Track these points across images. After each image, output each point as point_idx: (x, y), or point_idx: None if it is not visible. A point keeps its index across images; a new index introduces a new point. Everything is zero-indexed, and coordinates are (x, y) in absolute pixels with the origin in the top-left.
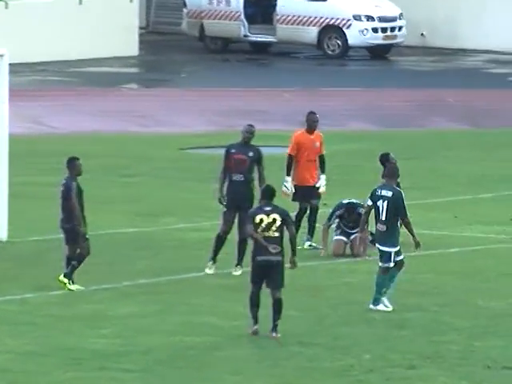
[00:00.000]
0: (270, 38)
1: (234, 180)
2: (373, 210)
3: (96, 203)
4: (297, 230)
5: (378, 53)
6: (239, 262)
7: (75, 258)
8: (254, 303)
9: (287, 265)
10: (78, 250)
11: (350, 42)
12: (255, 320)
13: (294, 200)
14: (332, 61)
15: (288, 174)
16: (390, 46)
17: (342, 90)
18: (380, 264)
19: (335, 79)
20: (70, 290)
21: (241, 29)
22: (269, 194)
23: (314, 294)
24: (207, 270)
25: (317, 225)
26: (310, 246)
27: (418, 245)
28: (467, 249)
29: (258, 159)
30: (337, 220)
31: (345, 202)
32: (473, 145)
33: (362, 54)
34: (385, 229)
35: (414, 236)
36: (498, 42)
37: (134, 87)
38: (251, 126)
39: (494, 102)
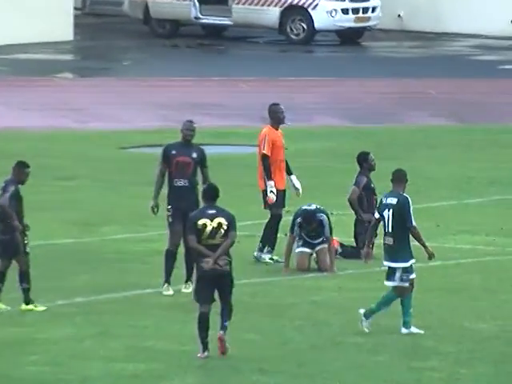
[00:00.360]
0: (224, 21)
1: (177, 186)
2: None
3: (26, 210)
4: (274, 243)
5: (349, 37)
6: (189, 278)
7: (21, 280)
8: (204, 326)
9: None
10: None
11: (317, 24)
12: (205, 346)
13: (267, 207)
14: (296, 46)
15: (271, 178)
16: (363, 29)
17: (307, 80)
18: (391, 283)
19: (300, 68)
20: (39, 311)
21: (191, 10)
22: (211, 194)
23: (275, 314)
24: (165, 292)
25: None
26: (271, 259)
27: (431, 256)
28: (451, 262)
29: (202, 160)
30: (298, 229)
31: (303, 207)
32: (458, 143)
33: (331, 38)
34: (391, 242)
35: (425, 247)
36: (486, 24)
37: (69, 77)
38: (191, 121)
39: (482, 94)
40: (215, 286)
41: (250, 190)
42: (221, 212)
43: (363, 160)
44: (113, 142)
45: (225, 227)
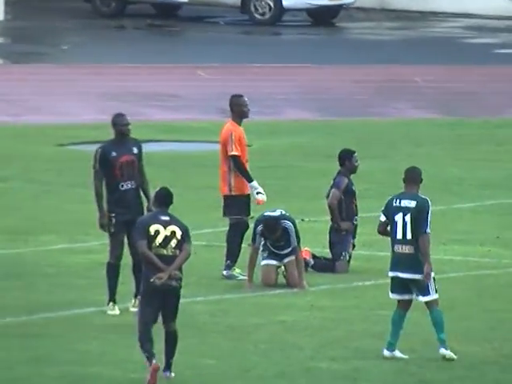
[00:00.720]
0: None
1: (124, 189)
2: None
3: None
4: (237, 255)
5: (322, 17)
6: (138, 293)
7: None
8: (147, 338)
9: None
10: None
11: (285, 2)
12: (151, 354)
13: (229, 214)
14: (261, 28)
15: (252, 180)
16: (338, 7)
17: (274, 67)
18: (420, 299)
19: (266, 52)
20: None
21: None
22: (166, 198)
23: (237, 336)
24: (110, 312)
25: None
26: (241, 273)
27: (426, 275)
28: (441, 276)
29: (140, 154)
30: (261, 239)
31: (265, 214)
32: (447, 139)
33: (301, 18)
34: (412, 250)
35: (427, 262)
36: (480, 2)
37: None
38: (122, 114)
39: (475, 83)
40: (161, 302)
41: (207, 192)
42: (174, 220)
43: (346, 158)
44: (50, 139)
45: (178, 237)
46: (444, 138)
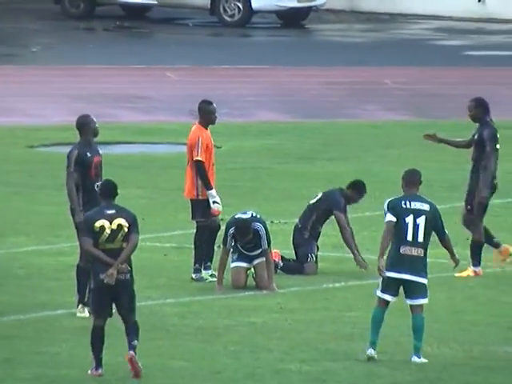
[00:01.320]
0: (148, 0)
1: (96, 190)
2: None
3: None
4: (211, 256)
5: (292, 19)
6: (82, 300)
7: None
8: (98, 341)
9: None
10: None
11: (254, 4)
12: (98, 362)
13: (196, 217)
14: (231, 30)
15: (211, 188)
16: (308, 9)
17: (244, 69)
18: (412, 302)
19: (235, 54)
20: None
21: None
22: (109, 190)
23: (207, 338)
24: (79, 314)
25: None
26: (211, 275)
27: (457, 263)
28: None
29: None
30: (232, 241)
31: (237, 216)
32: (417, 141)
33: (271, 20)
34: (422, 253)
35: (453, 255)
36: (450, 4)
37: None
38: (88, 115)
39: (445, 85)
40: (113, 297)
41: (178, 194)
42: (121, 211)
43: (358, 191)
44: (20, 140)
45: (126, 229)
46: (414, 139)
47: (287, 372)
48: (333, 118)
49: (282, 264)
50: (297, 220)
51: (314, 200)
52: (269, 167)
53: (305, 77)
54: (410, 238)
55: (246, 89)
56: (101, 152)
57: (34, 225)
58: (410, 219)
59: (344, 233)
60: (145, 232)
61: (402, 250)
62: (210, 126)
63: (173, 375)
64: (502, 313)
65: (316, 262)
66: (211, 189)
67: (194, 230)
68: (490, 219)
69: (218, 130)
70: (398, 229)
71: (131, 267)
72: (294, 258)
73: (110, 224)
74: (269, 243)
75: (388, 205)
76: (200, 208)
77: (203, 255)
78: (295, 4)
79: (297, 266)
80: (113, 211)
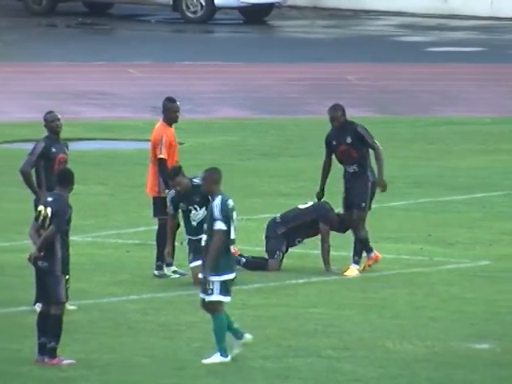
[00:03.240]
0: None
1: None
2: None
3: None
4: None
5: (255, 15)
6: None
7: None
8: (38, 326)
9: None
10: None
11: (217, 1)
12: (40, 347)
13: (158, 215)
14: (193, 26)
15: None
16: (270, 6)
17: (206, 65)
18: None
19: (198, 51)
20: None
21: None
22: (61, 178)
23: (170, 334)
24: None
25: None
26: (174, 272)
27: None
28: (372, 274)
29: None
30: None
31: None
32: (380, 137)
33: (233, 16)
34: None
35: None
36: (412, 1)
37: None
38: (52, 112)
39: (407, 81)
40: (40, 284)
41: (140, 191)
42: (54, 201)
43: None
44: None
45: (50, 218)
46: (376, 135)
47: (250, 369)
48: (295, 115)
49: (244, 260)
50: (276, 215)
51: (304, 206)
52: (231, 163)
53: (268, 73)
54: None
55: (208, 85)
56: (67, 151)
57: None
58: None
59: (323, 245)
60: (107, 229)
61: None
62: (174, 123)
63: (135, 372)
64: (464, 309)
65: (281, 260)
66: (169, 188)
67: (157, 227)
68: (452, 216)
69: (180, 126)
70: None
71: (51, 258)
72: (256, 255)
73: (45, 210)
74: None
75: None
76: (162, 205)
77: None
78: (258, 0)
79: (260, 261)
80: (50, 199)
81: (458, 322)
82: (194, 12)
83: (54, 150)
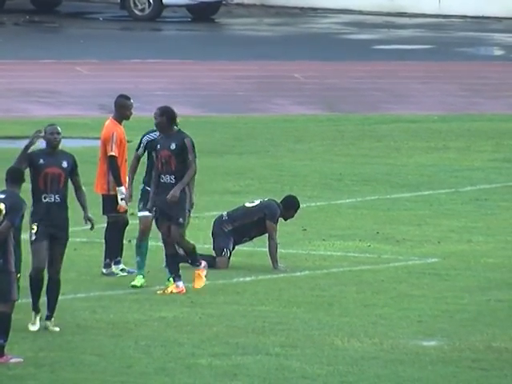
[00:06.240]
0: None
1: (45, 202)
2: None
3: None
4: (119, 252)
5: (202, 13)
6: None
7: None
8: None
9: None
10: None
11: None
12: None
13: (107, 212)
14: (141, 24)
15: (121, 183)
16: (218, 3)
17: (154, 63)
18: None
19: (145, 49)
20: None
21: None
22: (13, 175)
23: (118, 332)
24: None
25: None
26: (122, 270)
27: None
28: (320, 272)
29: (73, 169)
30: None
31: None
32: (327, 135)
33: (181, 14)
34: None
35: None
36: None
37: None
38: (53, 124)
39: (355, 79)
40: None
41: (88, 189)
42: (7, 198)
43: (292, 210)
44: None
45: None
46: (325, 133)
47: (198, 366)
48: (243, 113)
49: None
50: (223, 213)
51: (251, 204)
52: None
53: (215, 71)
54: None
55: (156, 83)
56: (66, 165)
57: None
58: None
59: (270, 243)
60: None
61: None
62: (124, 121)
63: (83, 370)
64: (412, 306)
65: (229, 257)
66: (121, 185)
67: (105, 225)
68: (400, 213)
69: (128, 124)
70: None
71: (5, 256)
72: (202, 253)
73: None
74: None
75: None
76: (111, 203)
77: (114, 250)
78: None
79: (209, 259)
80: (2, 196)
81: (406, 320)
82: (142, 10)
83: (41, 161)
